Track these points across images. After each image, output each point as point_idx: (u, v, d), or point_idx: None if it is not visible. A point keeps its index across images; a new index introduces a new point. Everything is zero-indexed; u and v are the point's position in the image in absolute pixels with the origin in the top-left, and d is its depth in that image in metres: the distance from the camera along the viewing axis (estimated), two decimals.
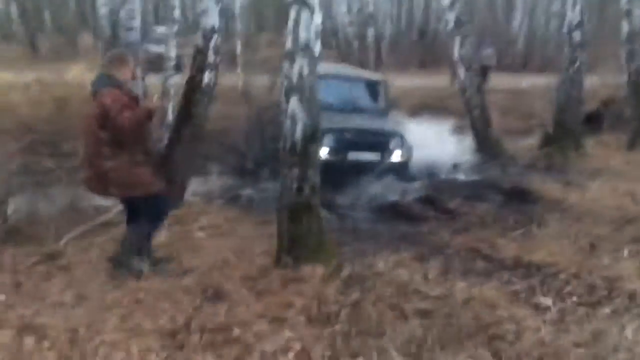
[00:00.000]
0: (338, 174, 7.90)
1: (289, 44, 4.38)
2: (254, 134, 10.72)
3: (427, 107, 15.90)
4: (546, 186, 7.56)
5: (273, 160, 10.43)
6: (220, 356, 3.42)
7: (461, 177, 8.83)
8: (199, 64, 6.30)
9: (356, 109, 9.21)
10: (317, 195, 4.58)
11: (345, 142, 8.30)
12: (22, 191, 7.03)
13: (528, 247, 4.93)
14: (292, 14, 4.36)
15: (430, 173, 9.43)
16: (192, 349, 3.52)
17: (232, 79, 16.02)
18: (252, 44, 28.97)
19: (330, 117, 8.70)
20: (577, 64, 8.78)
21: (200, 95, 6.31)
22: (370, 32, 24.20)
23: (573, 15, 8.69)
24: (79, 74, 15.17)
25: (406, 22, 30.86)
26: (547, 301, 3.89)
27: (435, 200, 7.14)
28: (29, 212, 6.47)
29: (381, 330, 3.60)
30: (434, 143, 10.94)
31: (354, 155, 8.45)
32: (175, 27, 9.12)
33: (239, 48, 17.53)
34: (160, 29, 18.97)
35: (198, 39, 6.36)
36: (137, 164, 4.50)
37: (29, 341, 3.60)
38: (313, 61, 4.39)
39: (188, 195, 7.04)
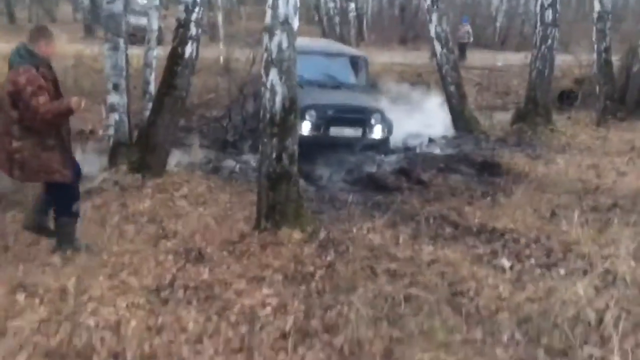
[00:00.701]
0: (320, 149, 8.12)
1: (268, 18, 4.56)
2: (235, 107, 10.87)
3: (406, 82, 16.11)
4: (515, 160, 7.89)
5: (254, 133, 10.65)
6: (202, 310, 3.66)
7: (436, 150, 9.10)
8: (181, 37, 6.44)
9: (337, 85, 9.39)
10: (295, 164, 4.82)
11: (327, 118, 8.46)
12: None
13: (493, 215, 5.23)
14: None
15: (407, 147, 9.71)
16: (176, 304, 3.75)
17: (214, 52, 16.09)
18: (233, 17, 28.90)
19: (312, 93, 8.87)
20: (549, 41, 9.05)
21: (182, 68, 6.46)
22: (352, 8, 24.25)
23: None
24: (63, 44, 15.09)
25: None
26: (507, 263, 4.20)
27: (409, 171, 7.42)
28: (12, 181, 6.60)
29: (353, 287, 3.86)
30: (412, 118, 11.19)
31: (335, 131, 8.66)
32: (157, 0, 9.16)
33: (220, 21, 17.52)
34: (142, 1, 18.85)
35: (180, 12, 6.48)
36: (46, 149, 4.17)
37: (20, 297, 3.80)
38: (292, 35, 4.58)
39: (170, 166, 7.22)
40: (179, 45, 6.44)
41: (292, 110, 4.70)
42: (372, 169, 7.99)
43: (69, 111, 4.15)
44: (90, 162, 8.33)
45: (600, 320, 3.23)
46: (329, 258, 4.40)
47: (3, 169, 4.31)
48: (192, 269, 4.30)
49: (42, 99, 3.99)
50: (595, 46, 9.98)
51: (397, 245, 4.62)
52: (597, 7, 9.79)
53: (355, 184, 7.28)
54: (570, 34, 19.06)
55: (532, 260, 4.27)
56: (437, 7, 9.56)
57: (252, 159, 9.63)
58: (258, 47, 11.13)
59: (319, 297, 3.78)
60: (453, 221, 5.18)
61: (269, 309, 3.59)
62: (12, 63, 4.16)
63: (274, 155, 4.72)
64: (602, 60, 9.87)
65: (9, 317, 3.52)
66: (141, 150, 6.67)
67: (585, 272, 4.00)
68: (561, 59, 13.69)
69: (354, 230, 4.98)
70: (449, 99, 9.85)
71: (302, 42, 11.12)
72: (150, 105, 7.19)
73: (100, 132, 11.87)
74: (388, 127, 8.64)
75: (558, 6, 8.97)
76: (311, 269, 4.23)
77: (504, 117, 11.40)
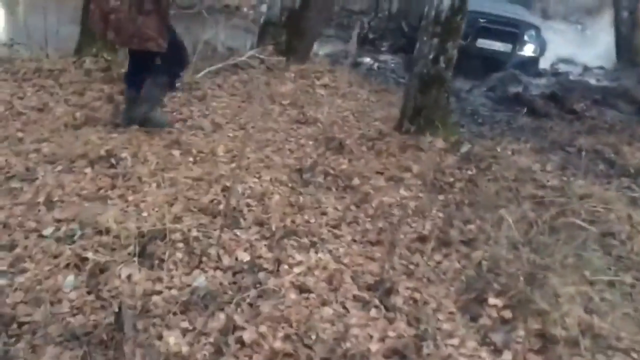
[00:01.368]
0: (463, 59, 7.67)
1: None
2: (381, 4, 10.53)
3: (567, 1, 14.71)
4: None
5: (394, 33, 10.31)
6: (341, 198, 3.72)
7: (592, 81, 8.36)
8: None
9: None
10: (451, 69, 4.59)
11: (477, 27, 7.97)
12: None
13: None
14: None
15: (557, 72, 9.02)
16: (316, 187, 3.84)
17: None
18: None
19: None
20: None
21: None
22: None
23: None
24: None
25: None
26: None
27: (560, 98, 6.90)
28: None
29: (494, 206, 3.74)
30: (566, 40, 10.28)
31: (483, 43, 8.15)
32: None
33: None
34: None
35: None
36: (143, 12, 3.79)
37: (176, 153, 4.05)
38: None
39: (311, 54, 7.21)
40: None
41: (460, 11, 4.42)
42: (517, 89, 7.52)
43: None
44: (238, 37, 8.54)
45: None
46: (470, 172, 4.27)
47: (96, 29, 4.00)
48: (331, 157, 4.35)
49: None
50: None
51: (544, 173, 4.36)
52: None
53: (499, 102, 6.91)
54: None
55: None
56: None
57: (389, 60, 9.43)
58: None
59: (457, 209, 3.71)
60: (608, 159, 4.79)
61: (408, 211, 3.57)
62: None
63: (430, 56, 4.52)
64: None
65: (166, 168, 3.76)
66: (289, 33, 6.67)
67: None
68: None
69: (498, 149, 4.75)
70: (617, 26, 8.87)
71: None
72: None
73: (245, 9, 12.06)
74: (541, 46, 8.00)
75: None
76: (451, 179, 4.13)
77: None
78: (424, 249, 3.18)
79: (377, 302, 2.69)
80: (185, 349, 2.25)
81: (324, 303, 2.63)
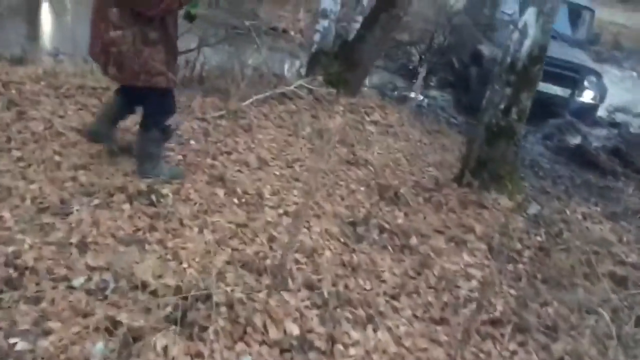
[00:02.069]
0: None
1: None
2: (435, 36, 10.20)
3: (622, 47, 14.22)
4: None
5: (445, 67, 9.96)
6: (399, 261, 3.36)
7: None
8: None
9: (553, 35, 8.30)
10: (523, 122, 4.22)
11: None
12: (212, 44, 7.26)
13: None
14: None
15: (614, 122, 8.54)
16: (371, 244, 3.48)
17: None
18: None
19: None
20: None
21: None
22: None
23: None
24: None
25: None
26: None
27: (624, 154, 6.45)
28: (218, 67, 6.67)
29: (571, 284, 3.33)
30: (623, 88, 9.82)
31: (541, 86, 7.73)
32: None
33: None
34: None
35: None
36: (149, 43, 3.18)
37: (220, 192, 3.74)
38: None
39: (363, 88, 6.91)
40: None
41: (538, 60, 4.05)
42: (575, 139, 7.09)
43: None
44: (283, 62, 8.30)
45: None
46: (539, 239, 3.87)
47: (98, 62, 3.38)
48: (386, 209, 3.99)
49: None
50: None
51: (622, 245, 3.94)
52: None
53: (559, 153, 6.49)
54: None
55: None
56: None
57: (439, 96, 9.09)
58: None
59: (530, 285, 3.30)
60: None
61: (473, 282, 3.19)
62: None
63: (501, 106, 4.15)
64: None
65: (210, 210, 3.45)
66: (342, 64, 6.36)
67: None
68: None
69: (567, 212, 4.34)
70: None
71: None
72: (359, 17, 6.78)
73: (292, 33, 11.86)
74: (601, 93, 7.51)
75: None
76: (519, 246, 3.74)
77: None
78: (497, 334, 2.78)
79: None
80: None
81: None
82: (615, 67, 12.73)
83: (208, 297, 2.56)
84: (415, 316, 2.86)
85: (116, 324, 2.32)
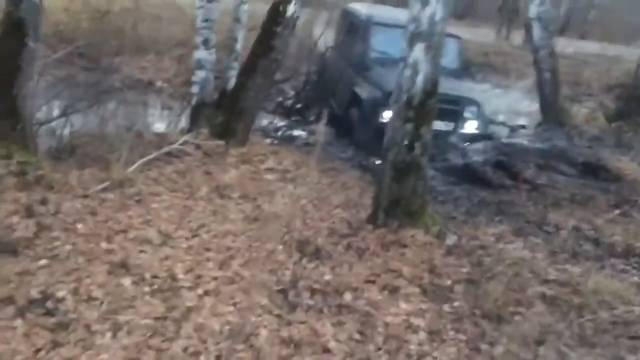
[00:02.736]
0: None
1: None
2: (302, 73, 10.22)
3: (470, 63, 15.24)
4: (620, 164, 7.18)
5: (320, 101, 9.98)
6: (339, 324, 3.14)
7: (524, 142, 8.39)
8: None
9: None
10: (427, 155, 4.22)
11: None
12: (75, 108, 6.66)
13: (635, 234, 4.61)
14: None
15: (488, 134, 8.92)
16: (305, 311, 3.24)
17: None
18: None
19: (396, 73, 7.96)
20: None
21: (282, 28, 5.82)
22: None
23: None
24: None
25: None
26: None
27: (507, 166, 6.78)
28: (88, 132, 6.11)
29: (508, 313, 3.31)
30: (486, 99, 10.41)
31: None
32: None
33: None
34: None
35: None
36: None
37: (126, 282, 3.31)
38: (447, 5, 3.92)
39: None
40: (281, 3, 5.78)
41: (433, 94, 4.08)
42: (456, 156, 7.32)
43: None
44: (160, 118, 7.84)
45: None
46: (464, 269, 3.85)
47: None
48: (310, 266, 3.78)
49: None
50: None
51: (538, 261, 4.03)
52: None
53: (448, 174, 6.65)
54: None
55: None
56: None
57: (322, 131, 9.04)
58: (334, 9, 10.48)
59: (473, 324, 3.23)
60: (590, 237, 4.57)
61: (421, 334, 3.05)
62: None
63: (405, 143, 4.12)
64: None
65: (120, 308, 3.02)
66: (226, 114, 6.10)
67: None
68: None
69: (480, 236, 4.39)
70: (541, 87, 9.10)
71: (385, 12, 10.33)
72: (235, 64, 6.57)
73: (159, 83, 11.37)
74: (484, 124, 7.74)
75: None
76: (448, 282, 3.68)
77: (577, 110, 10.60)
78: None
79: None
80: None
81: None
82: (470, 80, 13.60)
83: None
84: None
85: None
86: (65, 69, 8.99)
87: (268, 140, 7.36)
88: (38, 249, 3.50)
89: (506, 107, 10.49)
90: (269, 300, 3.29)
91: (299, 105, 9.89)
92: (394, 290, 3.52)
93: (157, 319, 2.98)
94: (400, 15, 10.39)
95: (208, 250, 3.91)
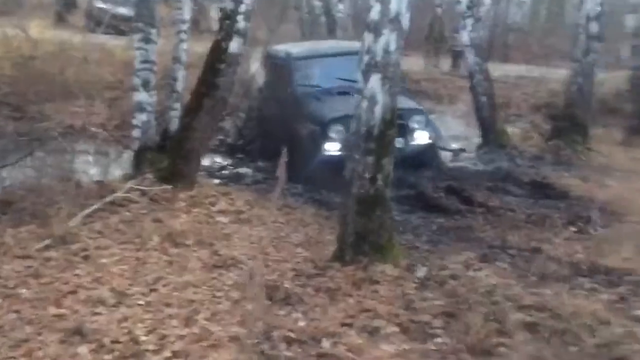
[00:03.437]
0: None
1: (374, 14, 3.86)
2: (242, 108, 10.04)
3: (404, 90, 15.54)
4: (563, 181, 7.36)
5: (263, 136, 9.81)
6: None
7: (468, 165, 8.50)
8: (226, 30, 5.64)
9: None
10: (389, 186, 4.13)
11: None
12: (5, 161, 6.22)
13: (597, 251, 4.66)
14: None
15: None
16: None
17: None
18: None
19: (333, 104, 7.89)
20: (591, 56, 8.62)
21: (225, 65, 5.67)
22: (340, 8, 23.44)
23: (592, 5, 8.48)
24: (41, 30, 13.92)
25: None
26: None
27: (459, 191, 6.81)
28: (21, 184, 5.70)
29: (493, 345, 3.21)
30: None
31: None
32: None
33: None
34: None
35: (226, 1, 5.69)
36: None
37: (83, 350, 2.99)
38: (401, 36, 3.88)
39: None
40: (223, 40, 5.65)
41: (392, 124, 4.02)
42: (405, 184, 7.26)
43: None
44: (96, 164, 7.47)
45: None
46: (440, 302, 3.73)
47: None
48: (281, 313, 3.57)
49: None
50: (630, 61, 9.63)
51: (510, 287, 3.97)
52: (630, 22, 9.46)
53: (401, 203, 6.59)
54: None
55: None
56: (473, 13, 9.00)
57: (267, 166, 8.87)
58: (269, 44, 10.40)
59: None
60: (553, 257, 4.58)
61: None
62: None
63: (367, 176, 4.02)
64: (635, 77, 9.52)
65: None
66: (172, 157, 5.84)
67: None
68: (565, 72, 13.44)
69: (448, 265, 4.31)
70: (479, 110, 9.32)
71: (306, 45, 10.32)
72: (177, 105, 6.34)
73: (93, 128, 10.90)
74: (435, 132, 7.63)
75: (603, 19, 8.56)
76: (426, 317, 3.55)
77: (512, 131, 10.90)
78: None
79: None
80: None
81: None
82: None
83: None
84: None
85: None
86: None
87: (215, 181, 7.13)
88: None
89: (443, 131, 10.66)
90: (243, 356, 3.05)
91: (241, 143, 9.69)
92: (373, 332, 3.36)
93: None
94: (319, 46, 10.46)
95: (168, 305, 3.64)
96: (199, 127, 5.77)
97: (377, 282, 3.91)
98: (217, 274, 4.17)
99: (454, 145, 9.94)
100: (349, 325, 3.42)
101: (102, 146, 9.06)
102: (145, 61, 5.77)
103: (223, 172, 8.25)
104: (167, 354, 3.03)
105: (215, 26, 7.65)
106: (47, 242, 4.47)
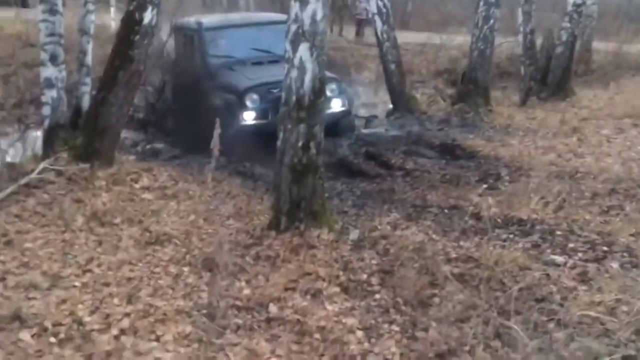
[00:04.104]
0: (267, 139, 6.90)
1: None
2: (152, 83, 9.72)
3: None
4: (470, 142, 7.79)
5: (177, 111, 9.56)
6: (274, 338, 3.04)
7: (382, 131, 8.79)
8: (139, 1, 5.42)
9: (275, 59, 8.25)
10: (322, 154, 4.24)
11: (274, 100, 7.04)
12: None
13: (509, 204, 5.02)
14: None
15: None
16: (235, 331, 3.08)
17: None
18: None
19: (247, 73, 7.86)
20: (491, 22, 9.08)
21: (139, 37, 5.46)
22: None
23: None
24: None
25: None
26: (560, 259, 3.99)
27: (376, 156, 7.07)
28: None
29: (428, 296, 3.45)
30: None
31: None
32: None
33: None
34: None
35: None
36: None
37: (26, 337, 2.90)
38: (326, 4, 3.95)
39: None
40: (136, 10, 5.43)
41: (321, 93, 4.10)
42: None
43: None
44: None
45: None
46: (374, 261, 3.93)
47: None
48: (224, 283, 3.59)
49: None
50: (521, 28, 10.23)
51: (436, 242, 4.24)
52: None
53: (326, 170, 6.75)
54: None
55: (580, 254, 4.11)
56: None
57: (183, 140, 8.70)
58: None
59: (400, 314, 3.31)
60: (471, 212, 4.88)
61: (359, 333, 3.06)
62: None
63: (300, 144, 4.09)
64: (527, 41, 10.16)
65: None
66: (87, 134, 5.60)
67: (636, 266, 3.90)
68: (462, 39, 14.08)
69: (379, 227, 4.52)
70: (389, 78, 9.61)
71: (216, 16, 10.13)
72: (87, 80, 6.05)
73: None
74: (348, 99, 7.82)
75: None
76: (364, 276, 3.73)
77: (418, 97, 11.35)
78: None
79: None
80: None
81: None
82: None
83: None
84: None
85: None
86: None
87: (131, 158, 6.91)
88: None
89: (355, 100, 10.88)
90: (192, 327, 3.08)
91: (153, 117, 9.40)
92: (316, 294, 3.49)
93: None
94: (230, 17, 10.32)
95: (107, 285, 3.57)
96: (115, 102, 5.55)
97: (315, 247, 4.03)
98: (152, 250, 4.12)
99: (366, 112, 10.30)
100: (293, 289, 3.53)
101: (1, 127, 8.50)
102: (51, 34, 5.44)
103: (137, 148, 8.03)
104: (115, 331, 3.00)
105: None
106: None
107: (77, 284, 3.56)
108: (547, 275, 3.68)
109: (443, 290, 3.53)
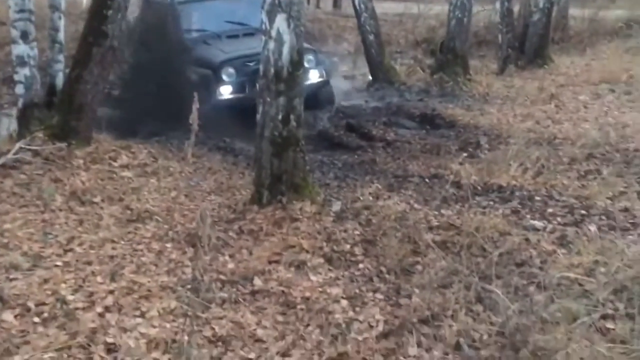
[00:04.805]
0: (245, 113, 6.08)
1: None
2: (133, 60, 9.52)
3: None
4: (449, 111, 7.82)
5: (152, 87, 9.41)
6: (260, 310, 3.06)
7: (361, 103, 8.76)
8: None
9: (251, 32, 8.12)
10: (302, 127, 4.22)
11: (249, 74, 7.02)
12: None
13: (489, 172, 5.08)
14: None
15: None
16: (221, 305, 3.10)
17: None
18: None
19: (222, 46, 7.76)
20: None
21: (113, 11, 5.35)
22: None
23: None
24: None
25: None
26: (539, 223, 4.06)
27: (357, 127, 7.06)
28: None
29: (410, 264, 3.50)
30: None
31: None
32: None
33: None
34: None
35: None
36: None
37: (8, 317, 2.89)
38: None
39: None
40: None
41: (300, 64, 4.06)
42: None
43: None
44: None
45: None
46: (357, 232, 3.95)
47: None
48: (207, 258, 3.58)
49: None
50: None
51: (417, 211, 4.28)
52: None
53: (307, 142, 6.73)
54: None
55: (558, 219, 4.18)
56: None
57: (160, 116, 8.57)
58: None
59: (384, 282, 3.35)
60: (451, 181, 4.91)
61: (343, 303, 3.09)
62: None
63: (279, 117, 4.07)
64: (504, 9, 10.15)
65: (12, 347, 2.64)
66: (63, 112, 5.50)
67: (613, 228, 3.98)
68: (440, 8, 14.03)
69: (361, 198, 4.54)
70: (367, 49, 9.55)
71: None
72: (60, 57, 5.92)
73: None
74: (326, 69, 7.81)
75: None
76: (347, 247, 3.76)
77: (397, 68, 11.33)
78: (396, 345, 2.74)
79: None
80: None
81: None
82: None
83: None
84: None
85: None
86: None
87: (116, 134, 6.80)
88: None
89: (333, 71, 10.81)
90: (177, 302, 3.08)
91: (128, 94, 9.22)
92: (300, 265, 3.51)
93: (60, 349, 2.64)
94: None
95: (89, 263, 3.56)
96: (90, 80, 5.45)
97: (297, 220, 4.04)
98: (133, 228, 4.10)
99: (346, 85, 10.25)
100: (277, 262, 3.55)
101: None
102: (21, 10, 5.29)
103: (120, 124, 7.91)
104: (99, 309, 3.00)
105: None
106: None
107: (58, 263, 3.53)
108: (527, 240, 3.74)
109: (425, 257, 3.57)
